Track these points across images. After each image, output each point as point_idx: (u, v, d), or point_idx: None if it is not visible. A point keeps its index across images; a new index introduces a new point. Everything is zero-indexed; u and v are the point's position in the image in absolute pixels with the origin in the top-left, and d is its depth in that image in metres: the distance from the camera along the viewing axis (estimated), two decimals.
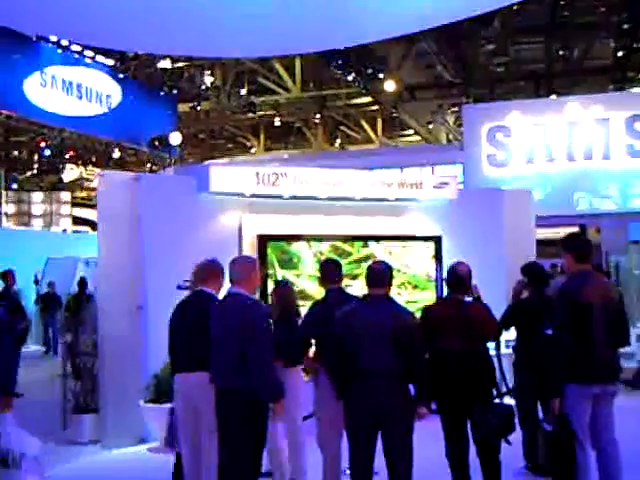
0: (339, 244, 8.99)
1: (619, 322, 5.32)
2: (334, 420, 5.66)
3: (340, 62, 19.08)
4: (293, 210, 8.98)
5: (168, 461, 6.28)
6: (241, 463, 4.98)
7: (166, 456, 6.78)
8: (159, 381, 7.77)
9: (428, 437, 5.63)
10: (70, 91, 18.23)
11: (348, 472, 5.17)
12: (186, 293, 6.00)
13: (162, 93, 21.35)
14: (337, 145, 28.61)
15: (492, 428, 5.52)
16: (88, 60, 18.80)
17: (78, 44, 17.38)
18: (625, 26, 18.33)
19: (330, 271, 6.16)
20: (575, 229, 17.71)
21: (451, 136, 26.06)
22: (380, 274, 5.16)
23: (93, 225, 25.38)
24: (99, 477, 7.20)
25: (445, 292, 6.07)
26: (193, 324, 5.58)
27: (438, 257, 9.47)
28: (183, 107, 23.00)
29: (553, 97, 20.55)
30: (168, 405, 7.40)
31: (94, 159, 28.34)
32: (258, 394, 4.91)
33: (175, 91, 21.47)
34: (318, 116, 24.05)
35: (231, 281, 5.27)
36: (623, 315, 5.47)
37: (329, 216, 9.17)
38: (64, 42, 17.44)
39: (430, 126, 25.90)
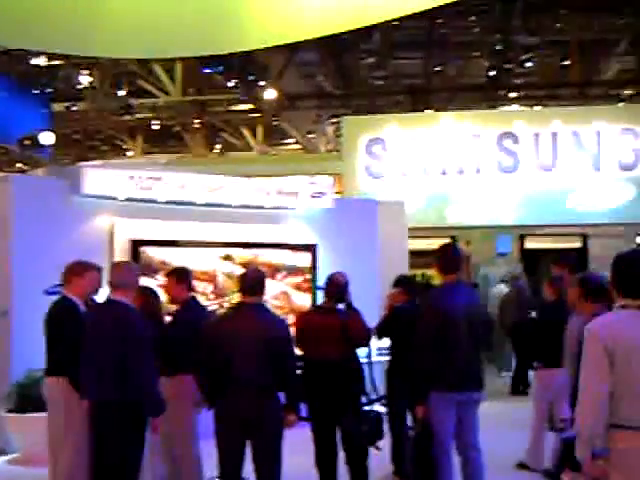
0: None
1: (484, 331, 5.51)
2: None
3: (221, 68, 18.99)
4: (169, 215, 8.85)
5: (28, 473, 6.05)
6: (118, 476, 4.86)
7: (26, 469, 6.52)
8: (23, 390, 7.45)
9: (298, 444, 5.65)
10: None
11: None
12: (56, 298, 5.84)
13: (35, 91, 20.58)
14: (216, 151, 28.41)
15: (361, 435, 5.61)
16: None
17: None
18: (497, 47, 19.13)
19: (182, 280, 6.13)
20: (447, 240, 18.26)
21: (330, 146, 26.36)
22: (253, 282, 5.14)
23: None
24: None
25: (320, 300, 6.14)
26: (50, 331, 5.47)
27: (313, 265, 9.55)
28: (58, 106, 22.25)
29: (429, 112, 21.15)
30: (33, 414, 7.15)
31: None
32: (140, 408, 4.79)
33: (49, 90, 20.73)
34: (198, 121, 23.80)
35: (110, 287, 5.12)
36: (488, 324, 5.67)
37: (206, 222, 9.08)
38: None
39: (310, 136, 26.13)
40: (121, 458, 4.82)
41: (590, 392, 3.48)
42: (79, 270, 5.67)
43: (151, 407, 4.91)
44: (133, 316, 4.97)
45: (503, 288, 14.06)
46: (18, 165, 25.88)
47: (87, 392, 4.98)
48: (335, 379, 5.59)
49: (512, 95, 22.56)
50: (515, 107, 22.57)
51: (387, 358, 7.27)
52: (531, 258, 18.10)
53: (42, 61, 19.31)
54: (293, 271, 9.54)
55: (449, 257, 5.58)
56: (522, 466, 7.14)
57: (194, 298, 6.21)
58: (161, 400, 4.99)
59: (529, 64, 20.60)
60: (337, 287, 5.85)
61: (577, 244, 18.72)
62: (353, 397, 5.73)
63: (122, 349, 4.76)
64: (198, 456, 5.84)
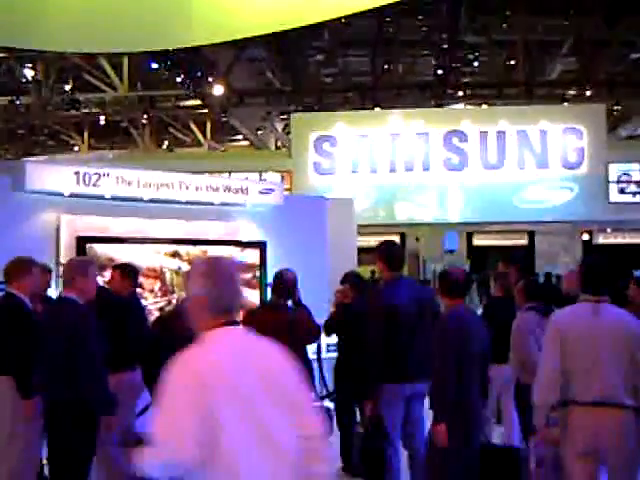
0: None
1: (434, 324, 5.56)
2: None
3: (169, 63, 18.83)
4: (115, 212, 8.71)
5: None
6: (69, 475, 4.78)
7: None
8: None
9: None
10: None
11: None
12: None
13: None
14: (165, 147, 28.16)
15: None
16: None
17: None
18: (444, 46, 19.32)
19: (126, 275, 6.12)
20: (396, 238, 18.42)
21: (279, 143, 26.34)
22: None
23: None
24: None
25: (269, 297, 6.12)
26: None
27: (262, 262, 9.52)
28: (1, 100, 21.82)
29: (377, 109, 21.27)
30: None
31: None
32: (89, 406, 4.71)
33: None
34: (145, 117, 23.55)
35: (63, 284, 5.06)
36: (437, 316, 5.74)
37: (153, 219, 8.97)
38: None
39: (259, 132, 26.06)
40: (70, 457, 4.75)
41: (544, 369, 4.14)
42: (25, 267, 5.54)
43: (100, 405, 4.83)
44: (79, 314, 4.88)
45: None
46: None
47: (39, 391, 4.91)
48: None
49: (459, 94, 22.82)
50: (462, 106, 22.83)
51: (336, 355, 7.28)
52: (479, 255, 18.34)
53: None
54: (242, 268, 9.50)
55: (395, 254, 5.66)
56: None
57: (134, 294, 6.18)
58: (111, 398, 4.92)
59: (476, 63, 20.88)
60: (285, 284, 5.82)
61: (524, 241, 19.05)
62: None
63: (69, 347, 4.69)
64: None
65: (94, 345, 4.77)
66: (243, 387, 2.52)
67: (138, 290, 7.83)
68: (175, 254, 8.97)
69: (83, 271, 5.03)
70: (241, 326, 2.72)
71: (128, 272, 6.12)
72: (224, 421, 2.43)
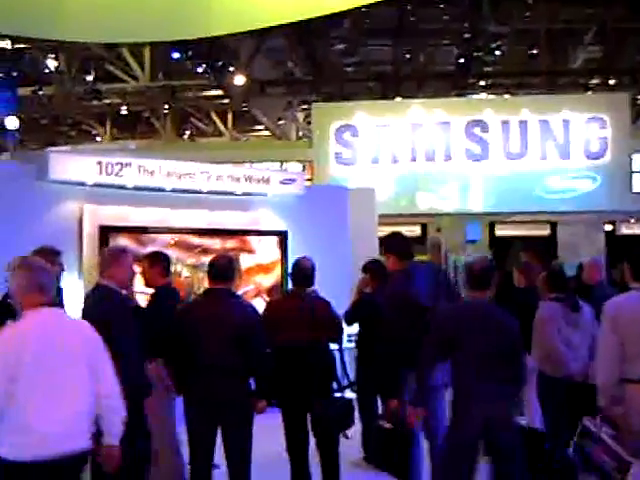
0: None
1: None
2: None
3: (190, 53, 18.85)
4: (138, 202, 8.76)
5: None
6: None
7: None
8: None
9: (269, 430, 5.65)
10: None
11: (189, 467, 5.12)
12: None
13: (0, 75, 20.25)
14: (186, 137, 28.21)
15: (331, 422, 5.60)
16: None
17: None
18: (466, 35, 19.18)
19: (154, 264, 6.07)
20: (417, 228, 18.39)
21: (301, 133, 26.30)
22: (223, 268, 5.12)
23: None
24: None
25: (290, 286, 6.13)
26: None
27: (284, 252, 9.54)
28: (24, 91, 21.94)
29: (399, 99, 21.18)
30: None
31: None
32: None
33: (15, 73, 20.41)
34: (167, 107, 23.61)
35: (99, 273, 5.14)
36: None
37: (175, 209, 9.01)
38: None
39: (280, 122, 26.04)
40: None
41: (603, 353, 4.56)
42: (49, 256, 5.60)
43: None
44: (113, 301, 4.93)
45: None
46: None
47: None
48: (305, 364, 5.57)
49: (481, 83, 22.66)
50: (484, 95, 22.68)
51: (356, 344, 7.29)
52: (501, 245, 18.23)
53: (7, 44, 19.00)
54: (263, 257, 9.53)
55: (402, 243, 5.70)
56: None
57: (164, 286, 6.05)
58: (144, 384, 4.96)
59: (498, 52, 20.73)
60: (303, 271, 5.79)
61: (546, 231, 18.92)
62: (322, 383, 5.71)
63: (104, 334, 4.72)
64: (176, 446, 5.76)
65: (129, 332, 4.81)
66: (42, 352, 3.45)
67: None
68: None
69: (116, 260, 5.10)
70: (53, 308, 3.68)
71: (154, 260, 6.07)
72: (22, 378, 3.36)
